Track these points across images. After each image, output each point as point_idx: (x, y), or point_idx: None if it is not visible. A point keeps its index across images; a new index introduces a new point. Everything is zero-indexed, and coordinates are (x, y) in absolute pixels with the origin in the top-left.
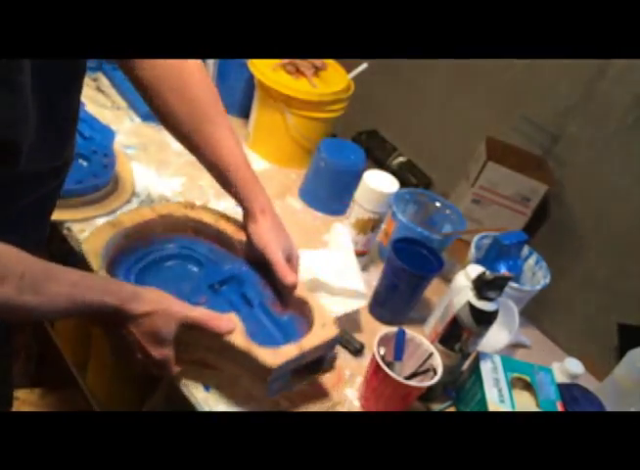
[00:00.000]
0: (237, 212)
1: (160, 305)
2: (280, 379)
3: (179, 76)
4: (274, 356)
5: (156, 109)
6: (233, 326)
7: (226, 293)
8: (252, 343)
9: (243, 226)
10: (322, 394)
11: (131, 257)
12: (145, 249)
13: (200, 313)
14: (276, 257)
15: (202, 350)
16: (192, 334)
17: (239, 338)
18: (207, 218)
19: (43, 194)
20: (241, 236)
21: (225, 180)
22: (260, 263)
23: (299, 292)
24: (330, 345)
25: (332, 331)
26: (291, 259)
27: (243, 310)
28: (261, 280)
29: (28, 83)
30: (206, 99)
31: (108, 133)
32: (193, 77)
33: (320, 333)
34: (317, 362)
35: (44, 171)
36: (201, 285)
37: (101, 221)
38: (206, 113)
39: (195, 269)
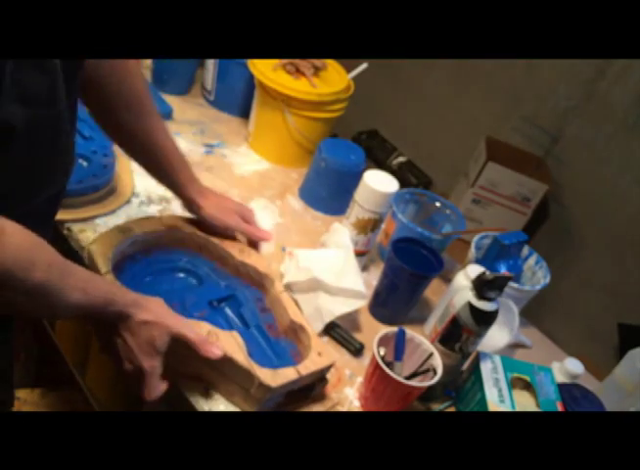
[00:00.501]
0: None
1: (158, 316)
2: (273, 401)
3: (117, 70)
4: (274, 377)
5: (94, 108)
6: (221, 354)
7: (224, 311)
8: (253, 362)
9: (242, 246)
10: (322, 394)
11: (136, 264)
12: (149, 258)
13: (194, 335)
14: (241, 226)
15: (198, 363)
16: (189, 348)
17: (241, 355)
18: (214, 237)
19: (53, 193)
20: (243, 258)
21: (160, 172)
22: (260, 286)
23: (297, 318)
24: (323, 372)
25: (327, 359)
26: (248, 218)
27: (240, 330)
28: (258, 303)
29: (59, 64)
30: (144, 90)
31: None
32: (129, 69)
33: (317, 360)
34: (308, 389)
35: (58, 166)
36: (201, 300)
37: (101, 221)
38: (143, 105)
39: (196, 284)
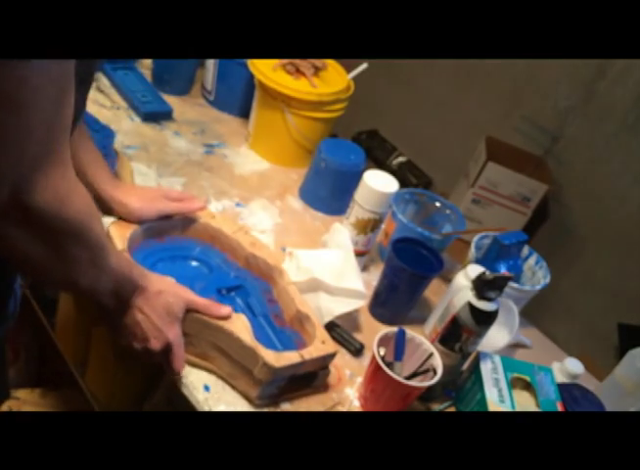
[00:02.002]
0: (236, 213)
1: (168, 285)
2: (275, 384)
3: None
4: (278, 358)
5: None
6: (229, 313)
7: (232, 299)
8: (258, 343)
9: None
10: (322, 394)
11: (147, 250)
12: (163, 244)
13: (202, 300)
14: (172, 207)
15: (205, 344)
16: (197, 327)
17: (247, 335)
18: (226, 229)
19: None
20: (254, 250)
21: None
22: (268, 278)
23: (303, 307)
24: (326, 360)
25: (331, 347)
26: (175, 197)
27: (247, 317)
28: (266, 294)
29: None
30: None
31: (108, 133)
32: None
33: (320, 347)
34: (310, 377)
35: None
36: (210, 288)
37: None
38: None
39: (205, 273)
